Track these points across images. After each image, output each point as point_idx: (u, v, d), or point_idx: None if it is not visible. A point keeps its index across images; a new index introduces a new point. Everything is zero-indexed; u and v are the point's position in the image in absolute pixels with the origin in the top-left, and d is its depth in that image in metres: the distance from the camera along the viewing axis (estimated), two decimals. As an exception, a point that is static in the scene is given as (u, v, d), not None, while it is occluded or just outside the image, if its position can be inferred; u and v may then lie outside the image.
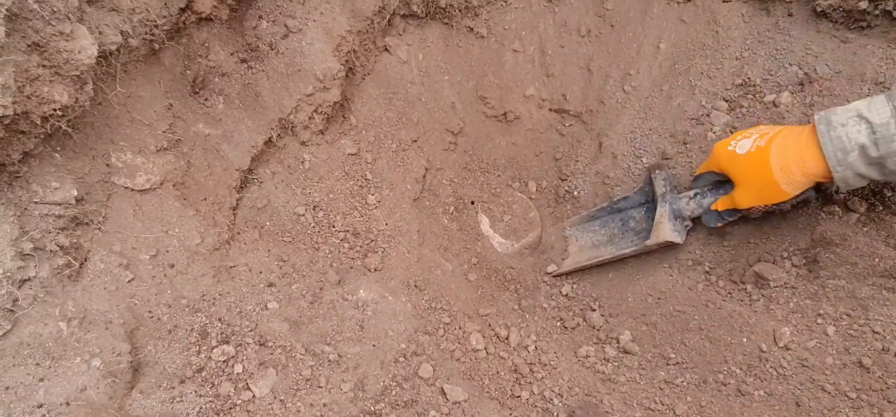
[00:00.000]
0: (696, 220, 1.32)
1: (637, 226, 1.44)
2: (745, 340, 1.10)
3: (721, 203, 1.23)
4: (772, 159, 1.09)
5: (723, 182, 1.26)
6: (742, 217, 1.24)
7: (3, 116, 0.69)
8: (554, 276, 1.50)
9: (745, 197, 1.16)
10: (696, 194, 1.29)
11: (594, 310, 1.34)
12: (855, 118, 1.01)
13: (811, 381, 1.00)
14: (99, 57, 0.86)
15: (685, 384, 1.09)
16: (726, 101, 1.40)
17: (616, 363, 1.17)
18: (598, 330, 1.28)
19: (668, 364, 1.14)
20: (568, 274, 1.49)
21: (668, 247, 1.36)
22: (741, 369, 1.07)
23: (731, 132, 1.37)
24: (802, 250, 1.21)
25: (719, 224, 1.26)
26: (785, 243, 1.25)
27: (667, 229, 1.28)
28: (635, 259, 1.45)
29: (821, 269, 1.17)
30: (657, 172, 1.36)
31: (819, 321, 1.09)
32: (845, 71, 1.27)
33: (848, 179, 1.03)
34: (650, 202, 1.43)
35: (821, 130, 1.03)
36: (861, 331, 1.04)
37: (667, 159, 1.46)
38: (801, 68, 1.32)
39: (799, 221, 1.22)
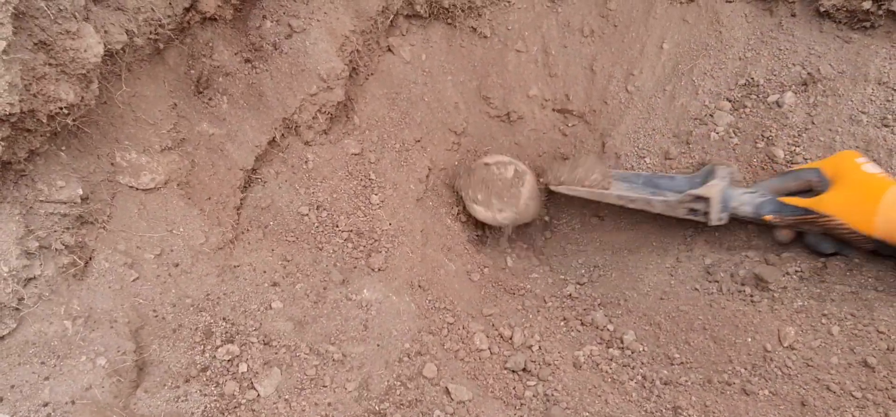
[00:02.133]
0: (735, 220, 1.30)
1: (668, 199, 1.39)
2: (749, 340, 1.10)
3: (799, 200, 1.19)
4: (888, 193, 1.06)
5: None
6: (787, 227, 1.23)
7: (10, 115, 0.69)
8: (553, 188, 1.50)
9: (835, 202, 1.12)
10: (753, 192, 1.27)
11: (597, 310, 1.34)
12: None
13: (816, 381, 1.00)
14: (104, 56, 0.86)
15: (689, 383, 1.09)
16: (729, 101, 1.40)
17: (620, 363, 1.17)
18: (602, 330, 1.28)
19: (672, 364, 1.14)
20: (567, 195, 1.49)
21: (679, 233, 1.35)
22: (746, 368, 1.07)
23: (735, 133, 1.38)
24: (809, 254, 1.22)
25: (768, 217, 1.23)
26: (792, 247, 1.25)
27: (716, 201, 1.26)
28: (637, 258, 1.45)
29: (827, 274, 1.18)
30: (721, 167, 1.33)
31: (823, 321, 1.09)
32: (849, 71, 1.27)
33: None
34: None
35: None
36: (866, 331, 1.04)
37: (669, 159, 1.46)
38: (804, 68, 1.33)
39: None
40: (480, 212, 1.51)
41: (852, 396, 0.96)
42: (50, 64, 0.76)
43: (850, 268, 1.17)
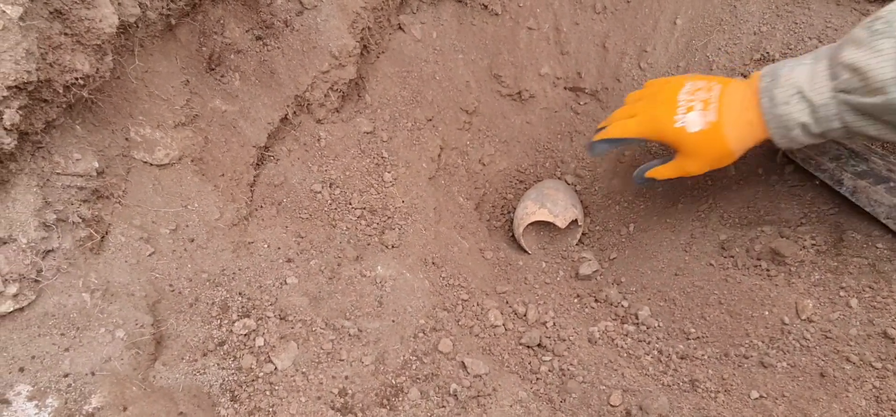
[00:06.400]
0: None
1: None
2: (766, 313, 1.10)
3: (665, 171, 1.23)
4: (727, 131, 1.10)
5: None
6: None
7: (27, 83, 0.69)
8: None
9: (699, 167, 1.17)
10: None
11: (611, 287, 1.33)
12: (797, 96, 1.01)
13: (835, 352, 0.99)
14: (118, 29, 0.86)
15: (706, 357, 1.08)
16: (744, 76, 1.39)
17: (635, 338, 1.16)
18: (616, 307, 1.28)
19: (688, 339, 1.14)
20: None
21: (693, 209, 1.38)
22: (763, 342, 1.06)
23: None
24: (827, 228, 1.20)
25: (647, 185, 1.29)
26: (808, 220, 1.24)
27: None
28: (651, 235, 1.44)
29: (844, 247, 1.16)
30: None
31: (841, 293, 1.08)
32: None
33: (791, 148, 1.10)
34: None
35: (764, 105, 1.05)
36: (885, 303, 1.03)
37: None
38: (820, 42, 1.31)
39: (823, 196, 1.22)
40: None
41: (872, 366, 0.96)
42: (65, 33, 0.75)
43: (867, 241, 1.16)
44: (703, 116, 1.11)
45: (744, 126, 1.09)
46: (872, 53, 0.92)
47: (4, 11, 0.66)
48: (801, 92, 1.01)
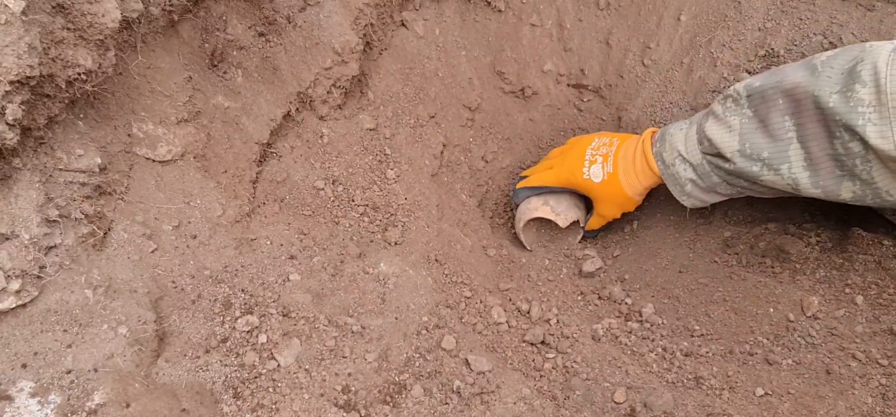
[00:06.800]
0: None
1: None
2: (771, 310, 1.09)
3: (593, 222, 1.46)
4: (621, 182, 1.31)
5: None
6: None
7: (29, 77, 0.68)
8: None
9: (610, 211, 1.40)
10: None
11: (615, 285, 1.33)
12: (680, 159, 1.20)
13: (841, 349, 0.99)
14: (120, 24, 0.86)
15: (711, 354, 1.08)
16: (749, 73, 1.38)
17: (639, 336, 1.16)
18: (620, 304, 1.27)
19: (692, 336, 1.13)
20: None
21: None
22: (768, 339, 1.06)
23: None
24: (832, 225, 1.20)
25: (595, 237, 1.54)
26: (813, 217, 1.23)
27: None
28: (654, 233, 1.44)
29: (850, 244, 1.16)
30: None
31: (847, 290, 1.08)
32: (872, 40, 1.24)
33: (695, 205, 1.25)
34: None
35: (660, 168, 1.25)
36: (891, 300, 1.03)
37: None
38: (825, 38, 1.30)
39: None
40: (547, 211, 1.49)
41: (878, 364, 0.95)
42: (68, 28, 0.75)
43: (872, 239, 1.16)
44: (603, 168, 1.33)
45: (632, 175, 1.29)
46: (724, 128, 1.09)
47: (7, 5, 0.65)
48: (681, 155, 1.19)
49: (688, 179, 1.19)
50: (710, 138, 1.11)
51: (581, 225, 1.50)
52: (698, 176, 1.18)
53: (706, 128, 1.13)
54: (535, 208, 1.46)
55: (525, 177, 1.51)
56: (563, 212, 1.45)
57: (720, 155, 1.11)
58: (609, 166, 1.32)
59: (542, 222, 1.54)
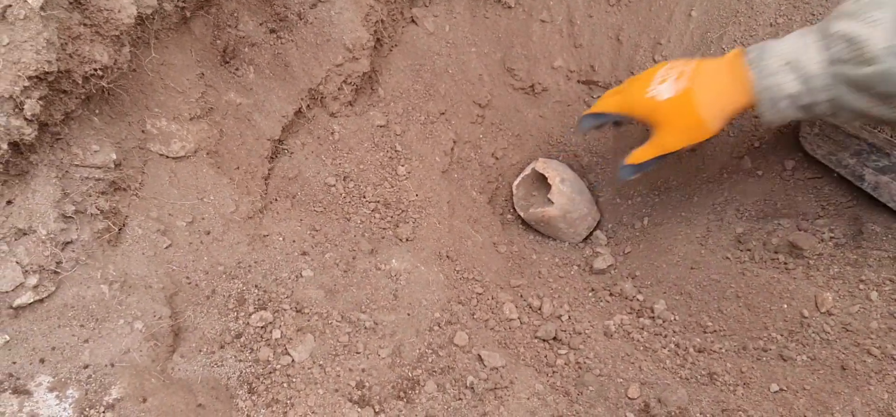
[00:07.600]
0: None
1: None
2: (785, 306, 1.09)
3: (643, 153, 1.20)
4: (696, 98, 1.09)
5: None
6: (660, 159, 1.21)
7: (47, 73, 0.69)
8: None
9: (674, 140, 1.15)
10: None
11: (626, 281, 1.33)
12: (786, 68, 1.01)
13: (856, 345, 0.98)
14: (135, 20, 0.86)
15: (724, 350, 1.08)
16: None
17: (652, 332, 1.16)
18: (632, 300, 1.27)
19: (705, 332, 1.13)
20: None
21: (708, 203, 1.38)
22: (782, 335, 1.05)
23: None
24: (845, 221, 1.19)
25: (636, 175, 1.24)
26: (826, 213, 1.23)
27: None
28: (666, 229, 1.43)
29: (864, 240, 1.15)
30: None
31: (861, 286, 1.07)
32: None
33: (775, 121, 1.06)
34: None
35: (755, 79, 1.04)
36: (906, 296, 1.02)
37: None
38: (838, 33, 1.29)
39: (841, 189, 1.21)
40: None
41: (893, 359, 0.95)
42: (85, 24, 0.75)
43: (888, 234, 1.15)
44: (675, 84, 1.12)
45: (714, 92, 1.09)
46: (865, 24, 0.92)
47: (26, 1, 0.65)
48: (791, 63, 1.01)
49: (787, 93, 1.02)
50: (847, 37, 0.93)
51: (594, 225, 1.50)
52: (806, 89, 1.00)
53: (837, 28, 0.95)
54: (542, 165, 1.50)
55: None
56: (566, 193, 1.46)
57: (859, 58, 0.93)
58: (683, 82, 1.11)
59: (541, 183, 1.56)
